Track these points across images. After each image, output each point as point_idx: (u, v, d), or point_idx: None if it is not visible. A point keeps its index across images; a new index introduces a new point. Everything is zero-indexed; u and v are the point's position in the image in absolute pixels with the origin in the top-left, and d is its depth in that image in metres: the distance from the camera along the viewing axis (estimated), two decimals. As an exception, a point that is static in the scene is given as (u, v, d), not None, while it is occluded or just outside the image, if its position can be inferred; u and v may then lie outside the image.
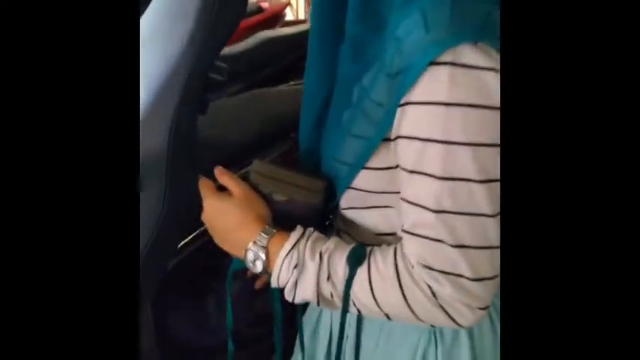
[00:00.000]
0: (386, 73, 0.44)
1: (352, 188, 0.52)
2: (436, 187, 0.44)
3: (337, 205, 0.57)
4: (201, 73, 0.57)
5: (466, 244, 0.44)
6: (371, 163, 0.50)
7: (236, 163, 1.02)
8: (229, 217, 0.55)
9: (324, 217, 0.60)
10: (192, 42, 0.53)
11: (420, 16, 0.42)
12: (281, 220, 0.55)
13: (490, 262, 0.45)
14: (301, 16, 4.76)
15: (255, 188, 0.55)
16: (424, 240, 0.46)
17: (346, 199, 0.55)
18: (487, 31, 0.42)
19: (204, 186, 0.56)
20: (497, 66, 0.41)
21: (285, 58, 2.12)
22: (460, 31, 0.41)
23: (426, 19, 0.42)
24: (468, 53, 0.41)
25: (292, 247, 0.50)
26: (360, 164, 0.50)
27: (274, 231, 0.53)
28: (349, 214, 0.56)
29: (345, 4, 0.47)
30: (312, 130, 0.57)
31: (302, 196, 0.54)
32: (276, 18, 3.18)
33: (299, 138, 0.62)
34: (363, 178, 0.51)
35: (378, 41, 0.46)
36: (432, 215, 0.44)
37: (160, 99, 0.54)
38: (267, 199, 0.55)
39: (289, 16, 4.69)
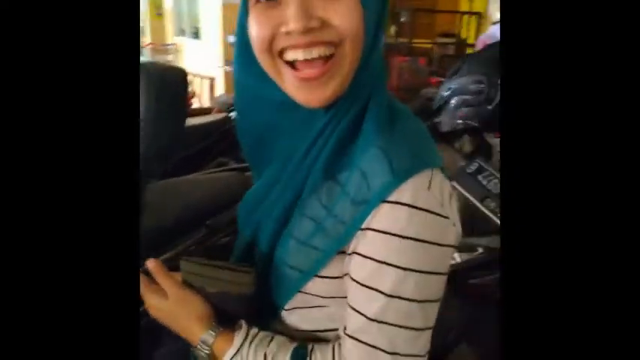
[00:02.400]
0: (350, 199, 0.49)
1: (301, 292, 0.55)
2: (382, 302, 0.48)
3: (276, 307, 0.59)
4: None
5: (399, 352, 0.49)
6: (324, 272, 0.53)
7: (152, 250, 1.04)
8: (171, 319, 0.57)
9: (257, 302, 0.60)
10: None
11: (387, 161, 0.47)
12: (216, 310, 0.57)
13: None
14: (206, 104, 4.93)
15: (187, 284, 0.58)
16: (364, 345, 0.49)
17: (291, 302, 0.57)
18: (432, 157, 0.50)
19: (142, 282, 0.57)
20: (441, 210, 0.48)
21: (195, 147, 2.18)
22: (419, 173, 0.48)
23: (391, 163, 0.47)
24: (423, 197, 0.47)
25: (236, 352, 0.53)
26: (313, 272, 0.53)
27: (217, 331, 0.55)
28: (292, 314, 0.58)
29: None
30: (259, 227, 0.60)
31: (232, 288, 0.56)
32: (183, 107, 3.22)
33: (239, 227, 0.64)
34: (314, 285, 0.54)
35: (341, 162, 0.51)
36: (375, 325, 0.48)
37: None
38: (200, 292, 0.57)
39: (195, 104, 4.82)
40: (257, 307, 0.59)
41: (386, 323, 0.48)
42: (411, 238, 0.47)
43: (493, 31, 2.62)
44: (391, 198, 0.46)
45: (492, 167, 1.45)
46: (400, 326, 0.48)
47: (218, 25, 4.79)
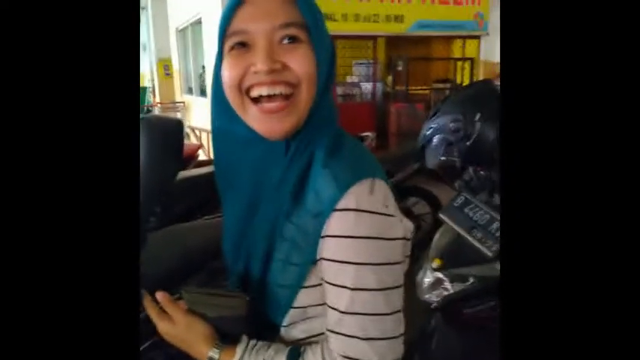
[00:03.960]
0: (311, 215, 0.57)
1: (294, 308, 0.62)
2: (349, 296, 0.56)
3: (276, 325, 0.65)
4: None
5: (373, 336, 0.56)
6: (307, 283, 0.60)
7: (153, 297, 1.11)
8: (181, 342, 0.64)
9: (255, 323, 0.67)
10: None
11: (332, 177, 0.56)
12: (218, 332, 0.64)
13: (392, 349, 0.58)
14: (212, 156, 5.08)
15: (191, 311, 0.66)
16: (342, 336, 0.57)
17: (289, 317, 0.63)
18: (373, 168, 0.58)
19: (150, 307, 0.65)
20: (385, 210, 0.56)
21: (198, 195, 2.27)
22: (360, 181, 0.56)
23: (335, 178, 0.56)
24: (366, 201, 0.55)
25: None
26: (298, 285, 0.60)
27: (221, 347, 0.62)
28: (293, 329, 0.65)
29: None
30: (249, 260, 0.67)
31: (228, 312, 0.64)
32: (189, 159, 3.37)
33: (230, 263, 0.71)
34: (303, 296, 0.61)
35: (304, 187, 0.59)
36: (347, 317, 0.56)
37: None
38: (203, 317, 0.65)
39: (202, 156, 4.98)
40: (256, 328, 0.65)
41: (356, 314, 0.56)
42: (361, 237, 0.55)
43: None
44: (339, 206, 0.55)
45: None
46: (368, 314, 0.56)
47: (223, 82, 5.02)
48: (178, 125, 1.15)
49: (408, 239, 0.61)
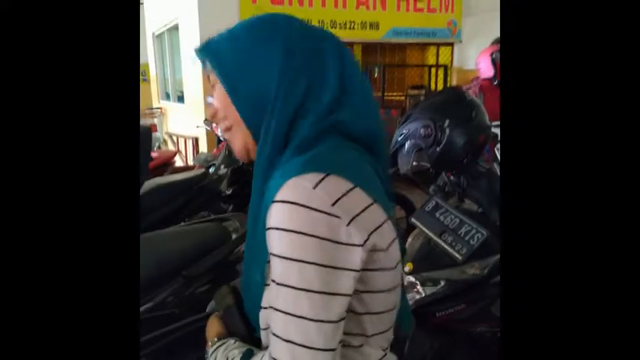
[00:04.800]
0: (264, 207, 0.56)
1: (263, 307, 0.61)
2: (274, 290, 0.54)
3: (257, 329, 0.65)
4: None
5: (293, 340, 0.52)
6: (268, 280, 0.58)
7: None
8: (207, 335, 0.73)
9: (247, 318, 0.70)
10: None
11: (280, 170, 0.56)
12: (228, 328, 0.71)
13: (311, 357, 0.52)
14: (190, 162, 5.07)
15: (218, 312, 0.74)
16: (272, 335, 0.54)
17: (261, 320, 0.63)
18: (338, 168, 0.55)
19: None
20: (330, 209, 0.52)
21: (176, 201, 2.27)
22: (305, 174, 0.53)
23: (282, 171, 0.55)
24: (305, 195, 0.52)
25: (212, 353, 0.67)
26: (262, 282, 0.60)
27: (214, 342, 0.69)
28: (264, 334, 0.63)
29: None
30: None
31: (223, 303, 0.72)
32: (166, 165, 3.34)
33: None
34: (265, 295, 0.60)
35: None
36: (271, 312, 0.54)
37: None
38: (220, 317, 0.73)
39: (179, 162, 4.94)
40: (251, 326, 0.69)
41: (279, 311, 0.53)
42: (291, 231, 0.52)
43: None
44: (277, 197, 0.53)
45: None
46: (289, 313, 0.52)
47: (200, 88, 5.01)
48: (146, 135, 1.16)
49: (356, 244, 0.53)
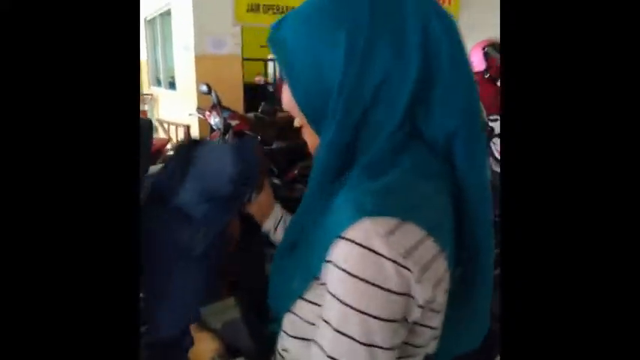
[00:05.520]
0: (324, 230, 0.51)
1: (292, 313, 0.57)
2: (331, 336, 0.49)
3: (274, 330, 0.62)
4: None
5: None
6: (307, 296, 0.55)
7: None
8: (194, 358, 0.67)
9: (256, 327, 0.67)
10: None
11: (356, 200, 0.49)
12: (229, 344, 0.66)
13: None
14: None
15: (202, 327, 0.68)
16: None
17: (288, 325, 0.59)
18: (414, 212, 0.49)
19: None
20: (402, 260, 0.47)
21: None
22: (384, 217, 0.47)
23: (357, 203, 0.48)
24: (379, 242, 0.46)
25: None
26: (297, 294, 0.56)
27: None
28: (290, 342, 0.59)
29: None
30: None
31: (226, 317, 0.66)
32: (158, 154, 3.31)
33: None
34: (301, 308, 0.56)
35: (324, 204, 0.54)
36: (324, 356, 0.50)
37: None
38: (216, 333, 0.67)
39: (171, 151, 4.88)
40: (261, 340, 0.64)
41: (331, 358, 0.49)
42: (358, 278, 0.47)
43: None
44: (347, 234, 0.47)
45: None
46: None
47: (192, 76, 4.94)
48: (149, 126, 1.15)
49: (421, 303, 0.49)
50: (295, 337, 0.58)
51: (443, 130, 0.53)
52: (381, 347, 0.48)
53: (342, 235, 0.48)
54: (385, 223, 0.47)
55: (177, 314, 0.77)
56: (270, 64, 7.02)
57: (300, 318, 0.57)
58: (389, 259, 0.47)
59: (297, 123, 0.62)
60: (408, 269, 0.47)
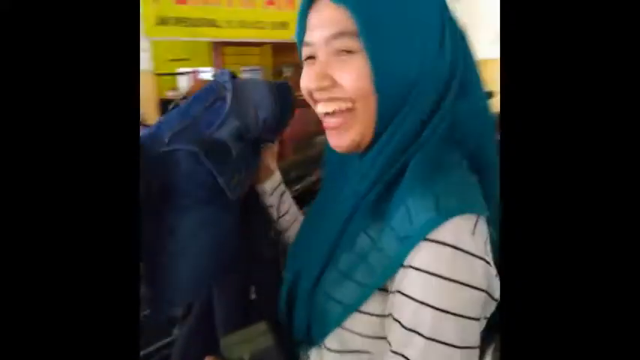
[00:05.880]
0: (395, 234, 0.48)
1: (342, 329, 0.54)
2: (422, 345, 0.46)
3: (317, 344, 0.58)
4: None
5: None
6: (364, 308, 0.52)
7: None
8: None
9: (289, 349, 0.62)
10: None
11: (432, 198, 0.47)
12: None
13: None
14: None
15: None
16: None
17: (333, 341, 0.55)
18: (482, 205, 0.49)
19: None
20: (487, 257, 0.47)
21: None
22: (464, 215, 0.47)
23: (437, 203, 0.47)
24: (468, 240, 0.46)
25: None
26: (355, 306, 0.52)
27: None
28: (332, 356, 0.57)
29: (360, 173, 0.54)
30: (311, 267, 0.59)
31: (257, 345, 0.59)
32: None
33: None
34: (355, 321, 0.53)
35: (389, 201, 0.51)
36: None
37: None
38: None
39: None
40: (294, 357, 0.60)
41: None
42: (453, 281, 0.46)
43: None
44: (434, 236, 0.46)
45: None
46: None
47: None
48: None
49: (496, 300, 0.49)
50: (346, 352, 0.55)
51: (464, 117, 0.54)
52: (474, 347, 0.48)
53: (429, 237, 0.46)
54: (469, 220, 0.47)
55: (192, 280, 0.68)
56: (182, 79, 6.78)
57: (353, 332, 0.54)
58: (478, 258, 0.47)
59: (339, 105, 0.53)
60: (490, 265, 0.48)
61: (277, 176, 0.85)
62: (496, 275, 0.49)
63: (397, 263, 0.48)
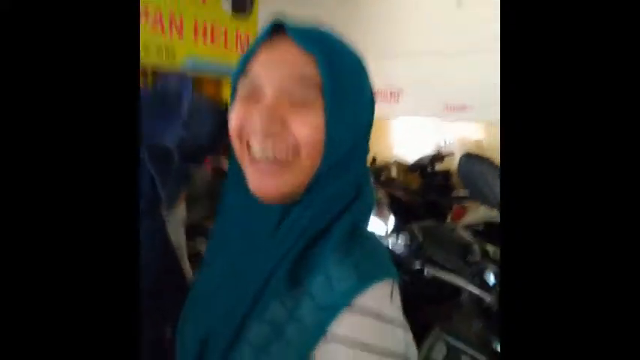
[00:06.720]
0: (314, 303, 0.46)
1: None
2: None
3: None
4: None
5: None
6: None
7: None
8: None
9: None
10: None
11: (353, 266, 0.47)
12: None
13: None
14: None
15: None
16: None
17: None
18: (393, 270, 0.49)
19: None
20: (404, 324, 0.47)
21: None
22: (382, 281, 0.47)
23: (358, 270, 0.46)
24: (388, 306, 0.46)
25: None
26: None
27: None
28: None
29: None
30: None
31: None
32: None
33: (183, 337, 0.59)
34: None
35: (305, 267, 0.49)
36: None
37: None
38: None
39: None
40: None
41: None
42: (376, 348, 0.44)
43: None
44: (358, 304, 0.45)
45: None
46: None
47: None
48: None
49: None
50: None
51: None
52: None
53: (351, 304, 0.45)
54: (387, 285, 0.47)
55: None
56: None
57: None
58: (397, 325, 0.46)
59: (287, 154, 0.49)
60: (408, 331, 0.47)
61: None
62: (412, 340, 0.47)
63: (319, 333, 0.45)
